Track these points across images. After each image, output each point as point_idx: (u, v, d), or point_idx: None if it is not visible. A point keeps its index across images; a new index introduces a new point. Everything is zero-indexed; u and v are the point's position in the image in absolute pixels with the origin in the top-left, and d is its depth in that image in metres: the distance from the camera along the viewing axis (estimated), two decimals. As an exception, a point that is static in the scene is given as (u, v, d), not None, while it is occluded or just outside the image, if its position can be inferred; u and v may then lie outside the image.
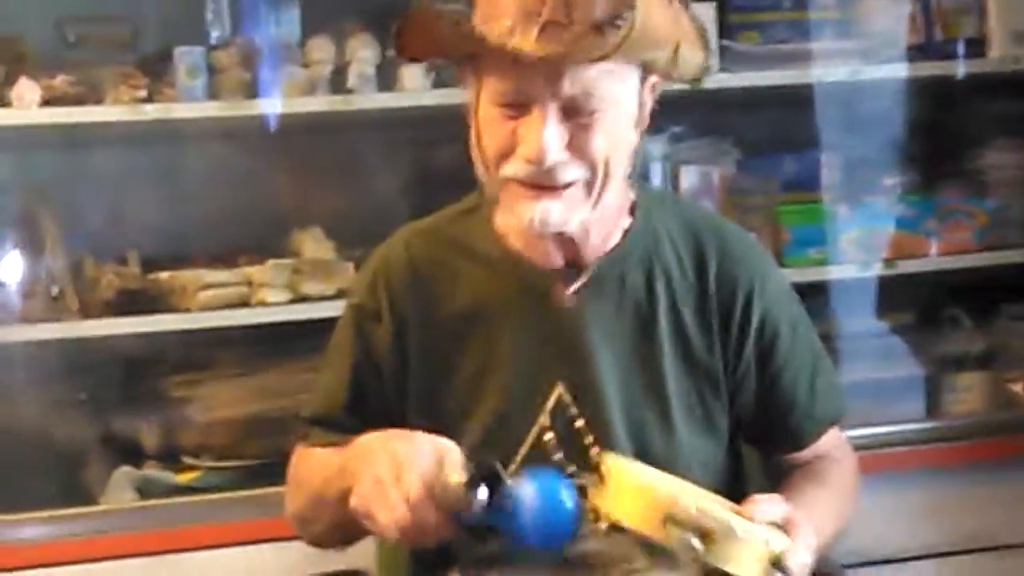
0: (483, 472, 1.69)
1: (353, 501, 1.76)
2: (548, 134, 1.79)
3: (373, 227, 2.14)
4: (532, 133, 1.80)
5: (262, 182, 3.28)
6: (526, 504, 1.69)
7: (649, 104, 1.91)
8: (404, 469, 1.70)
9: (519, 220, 1.86)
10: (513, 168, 1.83)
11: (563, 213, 1.84)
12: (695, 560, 1.62)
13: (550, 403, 1.93)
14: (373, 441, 1.80)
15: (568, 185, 1.83)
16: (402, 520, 1.70)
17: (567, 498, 1.71)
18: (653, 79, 1.90)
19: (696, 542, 1.62)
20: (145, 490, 2.97)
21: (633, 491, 1.67)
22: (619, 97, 1.84)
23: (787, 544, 1.69)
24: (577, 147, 1.82)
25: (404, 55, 1.98)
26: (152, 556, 2.83)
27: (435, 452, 1.72)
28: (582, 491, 1.75)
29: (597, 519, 1.72)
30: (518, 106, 1.82)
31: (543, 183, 1.82)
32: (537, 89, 1.79)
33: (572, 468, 1.91)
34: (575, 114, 1.81)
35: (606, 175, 1.85)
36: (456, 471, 1.69)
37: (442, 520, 1.70)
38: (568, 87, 1.79)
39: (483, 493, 1.68)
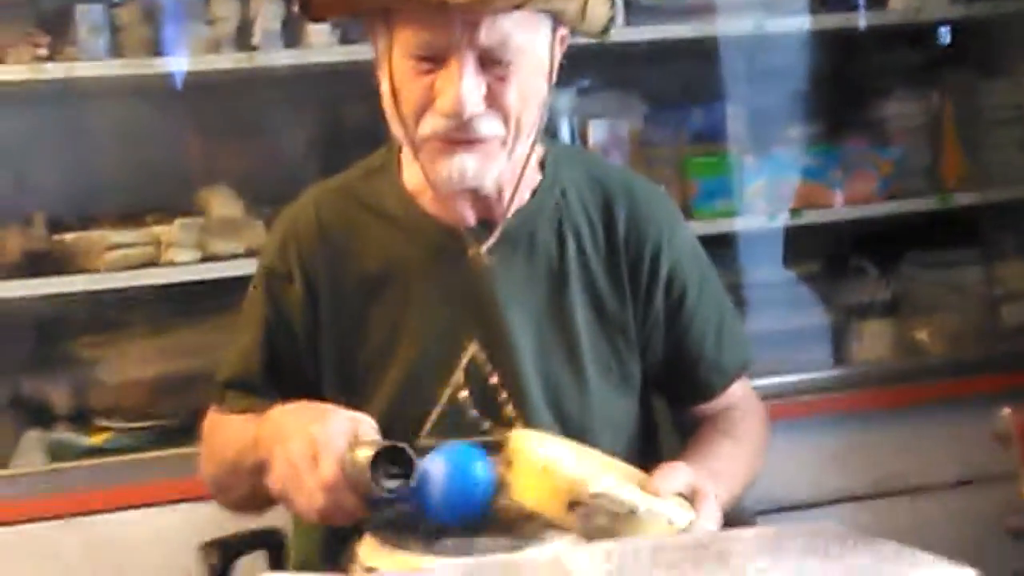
0: (393, 453, 1.69)
1: (269, 482, 1.76)
2: (466, 85, 1.80)
3: (282, 185, 2.14)
4: (450, 85, 1.80)
5: (168, 141, 3.25)
6: (437, 483, 1.70)
7: (558, 56, 1.92)
8: (320, 453, 1.70)
9: (436, 176, 1.86)
10: (431, 124, 1.83)
11: (480, 167, 1.84)
12: (598, 540, 1.63)
13: (464, 361, 1.93)
14: (288, 418, 1.79)
15: (485, 139, 1.83)
16: (319, 505, 1.71)
17: (479, 474, 1.72)
18: (562, 31, 1.90)
19: (600, 520, 1.63)
20: (56, 453, 2.95)
21: (537, 473, 1.68)
22: (532, 48, 1.85)
23: (690, 517, 1.71)
24: (493, 99, 1.83)
25: (313, 14, 1.97)
26: (64, 519, 2.81)
27: (349, 431, 1.72)
28: (491, 450, 1.76)
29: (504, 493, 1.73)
30: (433, 59, 1.81)
31: (461, 137, 1.82)
32: (454, 39, 1.79)
33: (487, 425, 1.93)
34: (491, 65, 1.82)
35: (519, 128, 1.86)
36: (367, 450, 1.69)
37: (357, 501, 1.71)
38: (484, 37, 1.79)
39: (392, 482, 1.68)
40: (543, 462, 1.68)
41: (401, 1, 1.80)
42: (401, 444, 1.70)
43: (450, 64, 1.80)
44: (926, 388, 3.33)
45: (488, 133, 1.83)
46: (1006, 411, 2.99)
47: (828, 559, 1.38)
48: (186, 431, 2.16)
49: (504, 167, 1.88)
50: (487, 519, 1.73)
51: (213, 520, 2.12)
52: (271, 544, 2.18)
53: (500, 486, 1.73)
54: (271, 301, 1.99)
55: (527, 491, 1.69)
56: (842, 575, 1.28)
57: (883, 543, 1.44)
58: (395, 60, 1.85)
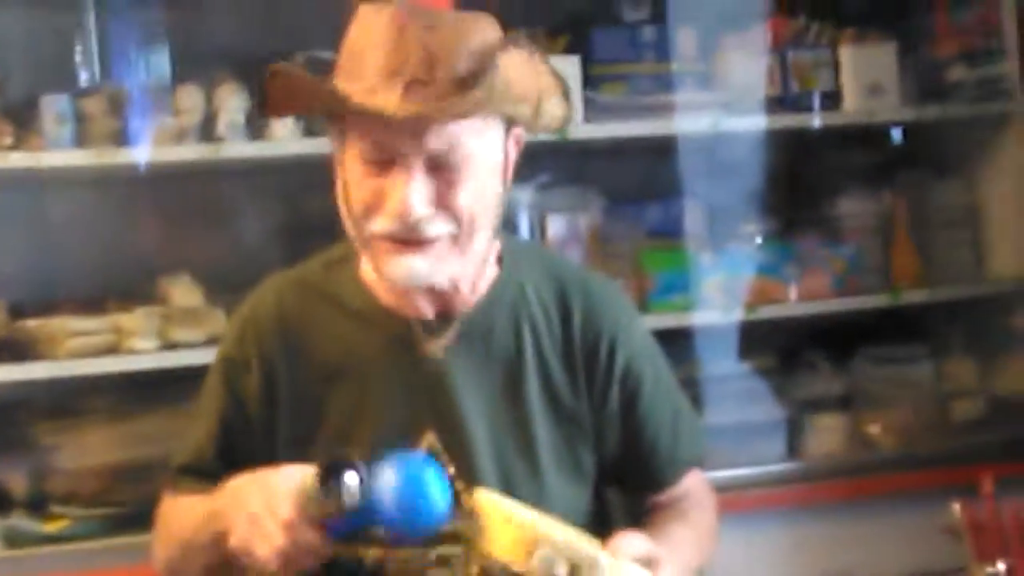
0: (338, 468, 1.71)
1: (232, 542, 1.78)
2: (413, 189, 1.81)
3: (243, 274, 2.15)
4: (397, 189, 1.82)
5: (131, 229, 3.26)
6: (388, 485, 1.72)
7: (514, 155, 1.94)
8: (275, 498, 1.73)
9: (387, 275, 1.87)
10: (380, 224, 1.84)
11: (430, 267, 1.86)
12: None
13: (420, 451, 1.93)
14: (244, 480, 1.82)
15: (435, 240, 1.85)
16: (280, 546, 1.72)
17: (431, 476, 1.74)
18: (517, 131, 1.93)
19: (561, 571, 1.66)
20: (12, 539, 2.93)
21: (502, 523, 1.70)
22: (483, 151, 1.86)
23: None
24: (443, 202, 1.83)
25: (268, 112, 2.00)
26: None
27: (302, 475, 1.75)
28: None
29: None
30: (383, 163, 1.83)
31: (409, 238, 1.84)
32: (401, 146, 1.81)
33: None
34: (440, 169, 1.83)
35: (472, 228, 1.87)
36: (312, 472, 1.72)
37: (318, 535, 1.73)
38: (432, 143, 1.81)
39: (345, 492, 1.70)
40: (508, 512, 1.72)
41: (348, 109, 1.82)
42: (346, 454, 1.73)
43: (398, 168, 1.82)
44: (877, 482, 3.37)
45: (436, 234, 1.84)
46: (956, 506, 3.02)
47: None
48: (143, 518, 2.15)
49: (456, 265, 1.89)
50: (443, 529, 1.76)
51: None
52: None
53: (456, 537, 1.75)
54: (228, 389, 2.00)
55: (492, 538, 1.72)
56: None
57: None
58: (348, 161, 1.88)
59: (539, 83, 1.88)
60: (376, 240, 1.87)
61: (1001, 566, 2.91)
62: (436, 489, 1.74)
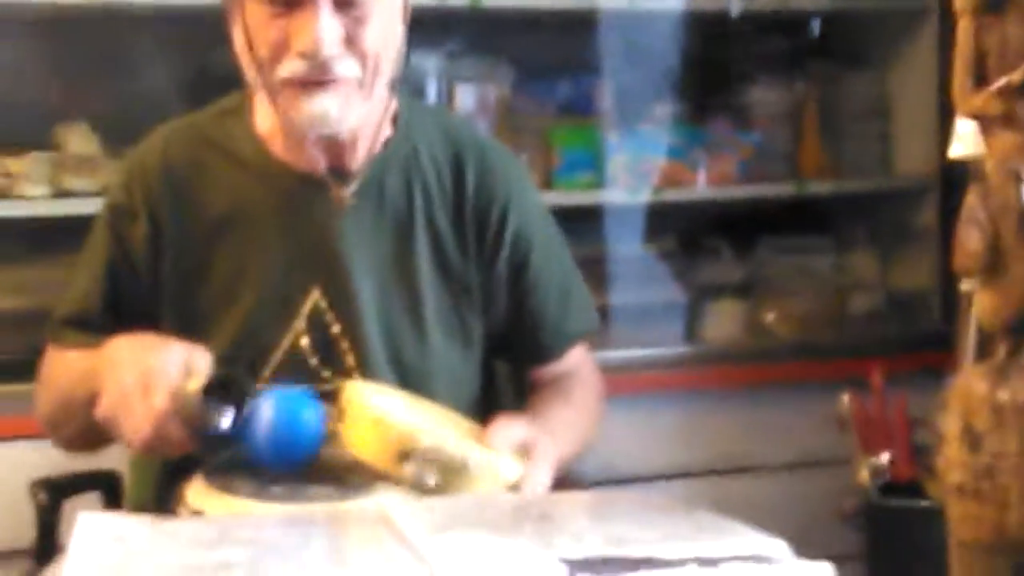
0: (224, 383, 1.70)
1: (100, 410, 1.76)
2: (323, 25, 1.80)
3: (143, 125, 2.10)
4: (307, 26, 1.80)
5: (26, 74, 3.18)
6: (264, 423, 1.71)
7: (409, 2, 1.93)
8: (152, 384, 1.70)
9: (296, 118, 1.85)
10: (289, 67, 1.83)
11: (340, 109, 1.84)
12: (430, 493, 1.65)
13: (306, 308, 1.93)
14: (123, 349, 1.79)
15: (342, 82, 1.84)
16: (146, 435, 1.70)
17: (307, 419, 1.73)
18: None
19: (430, 477, 1.65)
20: None
21: (369, 425, 1.69)
22: None
23: (521, 471, 1.73)
24: (350, 41, 1.83)
25: None
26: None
27: (183, 363, 1.72)
28: (328, 399, 1.77)
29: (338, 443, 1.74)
30: (288, 2, 1.81)
31: (319, 78, 1.82)
32: None
33: (326, 373, 1.93)
34: (346, 8, 1.82)
35: (377, 71, 1.86)
36: (199, 381, 1.70)
37: (186, 434, 1.71)
38: None
39: (223, 413, 1.69)
40: (375, 414, 1.70)
41: None
42: (233, 373, 1.71)
43: (305, 6, 1.80)
44: (772, 369, 3.39)
45: (345, 74, 1.83)
46: (845, 397, 3.06)
47: (646, 525, 1.40)
48: (27, 367, 2.12)
49: (362, 110, 1.88)
50: (312, 467, 1.74)
51: (54, 459, 2.10)
52: (106, 485, 2.17)
53: (331, 437, 1.74)
54: (114, 238, 1.97)
55: (359, 442, 1.70)
56: (657, 540, 1.30)
57: (702, 514, 1.47)
58: (248, 4, 1.85)
59: None
60: (284, 89, 1.84)
61: (885, 457, 2.96)
62: (309, 433, 1.73)
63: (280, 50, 1.83)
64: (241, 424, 1.71)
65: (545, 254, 2.06)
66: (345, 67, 1.83)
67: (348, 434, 1.71)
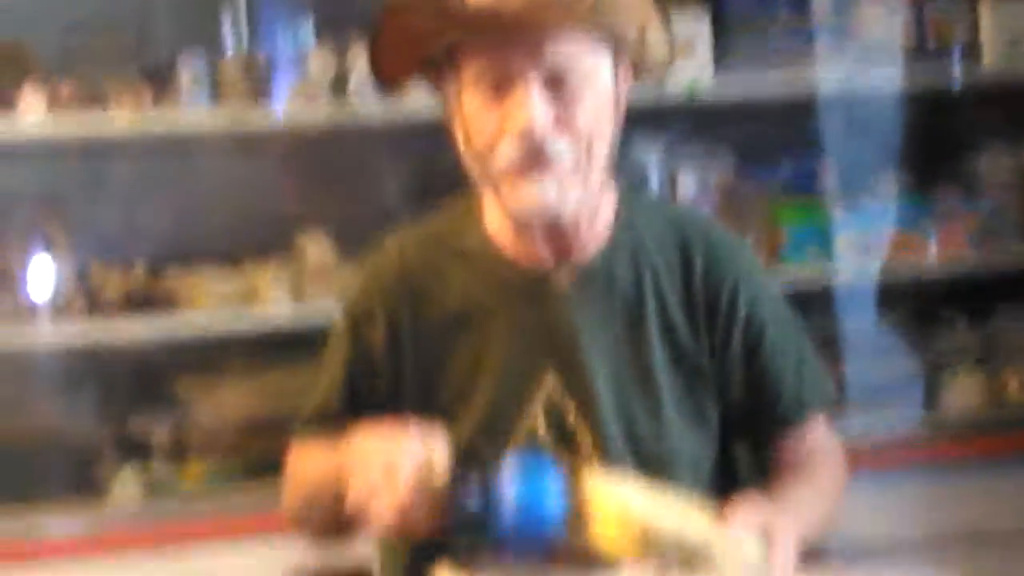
0: (468, 473, 1.73)
1: (349, 502, 1.79)
2: (535, 103, 1.84)
3: (376, 233, 2.17)
4: (519, 107, 1.84)
5: (268, 188, 3.31)
6: (508, 494, 1.71)
7: (624, 91, 1.95)
8: (397, 467, 1.73)
9: (516, 205, 1.89)
10: (506, 151, 1.86)
11: (558, 192, 1.87)
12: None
13: (542, 395, 1.95)
14: (367, 441, 1.82)
15: (558, 163, 1.86)
16: (394, 520, 1.73)
17: (552, 501, 1.72)
18: (625, 65, 1.94)
19: (673, 561, 1.66)
20: (153, 488, 3.02)
21: (611, 515, 1.70)
22: (596, 74, 1.89)
23: (763, 553, 1.72)
24: (563, 123, 1.86)
25: (382, 79, 2.04)
26: (158, 549, 2.88)
27: (425, 450, 1.75)
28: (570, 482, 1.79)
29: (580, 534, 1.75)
30: (502, 88, 1.86)
31: (535, 161, 1.86)
32: (519, 63, 1.84)
33: (564, 460, 1.94)
34: (557, 89, 1.86)
35: (591, 152, 1.88)
36: (443, 470, 1.73)
37: (431, 519, 1.74)
38: (549, 59, 1.84)
39: (469, 491, 1.72)
40: (617, 504, 1.71)
41: (463, 33, 1.86)
42: (478, 467, 1.74)
43: (517, 88, 1.85)
44: (1013, 438, 3.32)
45: (560, 154, 1.86)
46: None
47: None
48: (275, 468, 2.20)
49: (580, 197, 1.90)
50: (556, 552, 1.76)
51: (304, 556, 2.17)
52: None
53: (572, 528, 1.75)
54: (354, 341, 2.03)
55: (602, 533, 1.71)
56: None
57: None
58: (465, 99, 1.90)
59: (644, 10, 1.92)
60: (504, 177, 1.89)
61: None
62: (554, 499, 1.73)
63: (496, 136, 1.87)
64: (486, 502, 1.72)
65: (777, 331, 2.05)
66: (560, 146, 1.86)
67: (591, 526, 1.72)
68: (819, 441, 2.10)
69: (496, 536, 1.75)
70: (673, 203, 3.09)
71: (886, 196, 3.49)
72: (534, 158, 1.86)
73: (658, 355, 1.99)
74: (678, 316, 2.00)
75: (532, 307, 1.98)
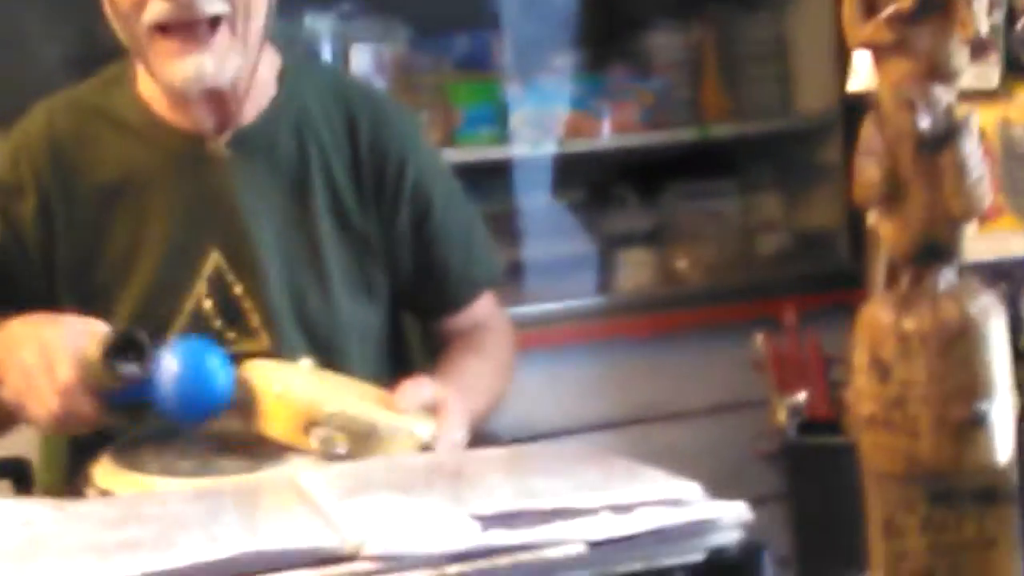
0: (123, 341, 1.66)
1: (4, 393, 1.72)
2: None
3: (27, 101, 2.05)
4: None
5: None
6: (169, 372, 1.66)
7: None
8: (54, 357, 1.66)
9: (169, 78, 1.81)
10: (152, 11, 1.78)
11: (215, 64, 1.80)
12: (342, 461, 1.62)
13: (207, 270, 1.90)
14: (20, 328, 1.75)
15: (213, 24, 1.79)
16: (55, 411, 1.67)
17: (214, 366, 1.68)
18: None
19: (339, 445, 1.62)
20: None
21: (272, 399, 1.66)
22: None
23: (433, 429, 1.71)
24: None
25: None
26: None
27: (83, 333, 1.68)
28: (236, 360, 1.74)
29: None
30: None
31: (185, 18, 1.77)
32: None
33: (232, 335, 1.90)
34: None
35: (248, 11, 1.81)
36: (100, 345, 1.66)
37: (94, 404, 1.68)
38: None
39: (127, 370, 1.65)
40: (277, 388, 1.67)
41: None
42: (133, 331, 1.67)
43: None
44: (684, 315, 3.39)
45: (212, 11, 1.78)
46: (759, 337, 3.07)
47: (558, 476, 1.39)
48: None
49: (237, 59, 1.83)
50: (220, 441, 1.71)
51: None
52: (15, 472, 2.13)
53: (237, 410, 1.70)
54: (1, 217, 1.93)
55: (265, 418, 1.67)
56: (569, 490, 1.29)
57: (616, 461, 1.46)
58: None
59: None
60: (155, 41, 1.80)
61: (801, 396, 2.97)
62: (216, 380, 1.68)
63: None
64: (147, 379, 1.66)
65: (446, 205, 2.04)
66: (211, 4, 1.78)
67: (253, 412, 1.68)
68: (488, 317, 2.11)
69: (159, 413, 1.69)
70: (332, 66, 3.02)
71: (560, 74, 3.49)
72: (184, 14, 1.77)
73: (325, 226, 1.95)
74: (345, 187, 1.97)
75: (194, 177, 1.91)
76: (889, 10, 1.07)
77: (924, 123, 1.05)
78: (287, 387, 1.67)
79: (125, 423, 1.80)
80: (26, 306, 1.83)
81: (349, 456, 1.62)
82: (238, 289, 1.91)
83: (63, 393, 1.66)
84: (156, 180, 1.91)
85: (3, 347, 1.74)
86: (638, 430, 3.31)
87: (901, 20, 1.06)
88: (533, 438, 2.90)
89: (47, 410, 1.67)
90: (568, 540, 1.19)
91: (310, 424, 1.63)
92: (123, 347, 1.66)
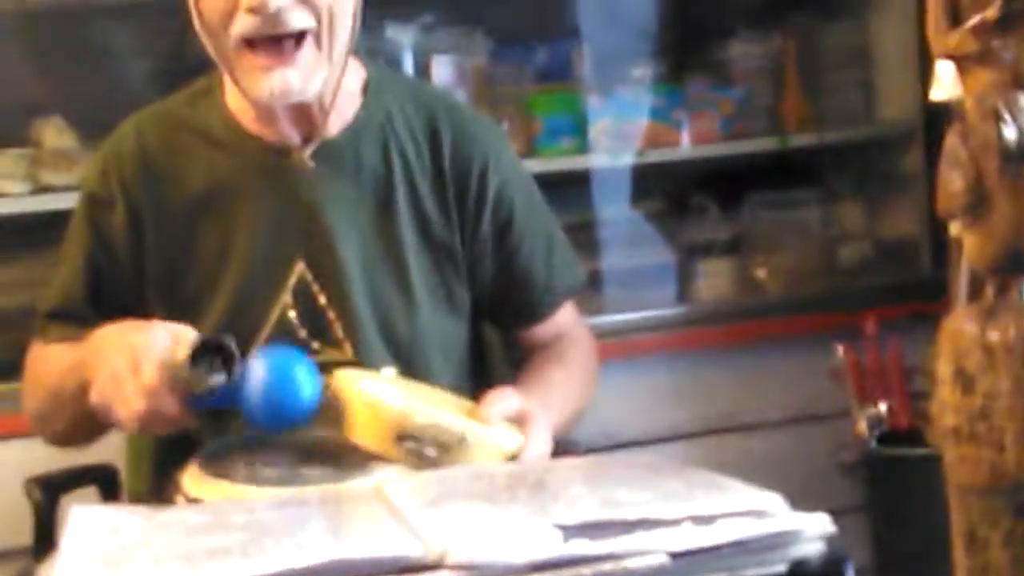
0: (211, 347, 1.68)
1: (92, 396, 1.74)
2: None
3: (118, 117, 2.09)
4: None
5: (3, 71, 3.17)
6: (256, 381, 1.68)
7: None
8: (141, 359, 1.68)
9: (255, 93, 1.83)
10: (240, 25, 1.80)
11: (301, 78, 1.82)
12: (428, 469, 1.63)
13: (292, 280, 1.92)
14: (109, 334, 1.77)
15: (299, 39, 1.81)
16: (140, 411, 1.69)
17: (301, 375, 1.70)
18: None
19: (428, 456, 1.63)
20: None
21: (362, 409, 1.67)
22: None
23: (519, 441, 1.72)
24: None
25: None
26: None
27: (170, 338, 1.71)
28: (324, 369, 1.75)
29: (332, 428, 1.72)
30: None
31: (271, 32, 1.79)
32: None
33: (316, 344, 1.92)
34: None
35: (333, 26, 1.83)
36: (186, 348, 1.68)
37: (180, 407, 1.69)
38: None
39: (214, 376, 1.67)
40: (368, 398, 1.68)
41: None
42: (221, 337, 1.68)
43: None
44: (764, 325, 3.37)
45: (299, 26, 1.80)
46: (840, 348, 3.06)
47: (641, 487, 1.39)
48: (13, 366, 2.11)
49: (323, 73, 1.85)
50: (308, 450, 1.73)
51: (45, 457, 2.09)
52: (103, 480, 2.16)
53: (324, 418, 1.72)
54: (93, 229, 1.96)
55: (354, 428, 1.68)
56: (651, 501, 1.29)
57: (695, 472, 1.47)
58: None
59: None
60: (242, 56, 1.82)
61: (882, 407, 2.96)
62: (304, 389, 1.69)
63: (229, 10, 1.80)
64: (233, 386, 1.68)
65: (527, 214, 2.05)
66: (297, 19, 1.80)
67: (342, 421, 1.69)
68: (570, 327, 2.12)
69: (246, 421, 1.71)
70: (415, 78, 3.04)
71: (640, 84, 3.49)
72: (270, 31, 1.79)
73: (408, 236, 1.96)
74: (428, 196, 1.98)
75: (276, 187, 1.93)
76: (974, 20, 1.07)
77: (1010, 134, 1.04)
78: (377, 397, 1.68)
79: (210, 428, 1.83)
80: (117, 316, 1.86)
81: (436, 466, 1.64)
82: (322, 299, 1.93)
83: (148, 393, 1.68)
84: (243, 192, 1.94)
85: (93, 352, 1.77)
86: (717, 440, 3.30)
87: (986, 30, 1.06)
88: (611, 448, 2.93)
89: (132, 410, 1.69)
90: (650, 551, 1.20)
91: (401, 435, 1.64)
92: (210, 353, 1.68)
